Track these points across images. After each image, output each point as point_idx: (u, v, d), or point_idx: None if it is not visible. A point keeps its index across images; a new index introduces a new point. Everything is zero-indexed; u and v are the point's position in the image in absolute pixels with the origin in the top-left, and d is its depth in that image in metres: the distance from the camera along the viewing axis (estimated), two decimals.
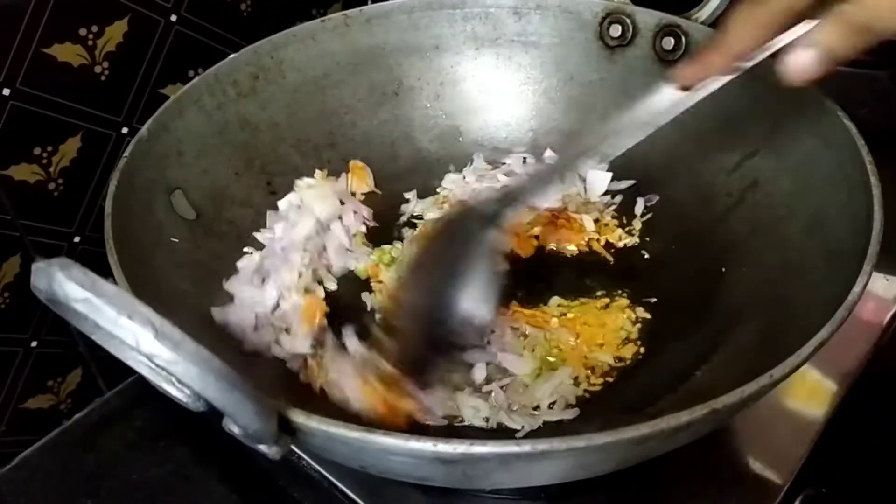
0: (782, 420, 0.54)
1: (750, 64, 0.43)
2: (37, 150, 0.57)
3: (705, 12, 0.61)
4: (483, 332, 0.50)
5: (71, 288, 0.27)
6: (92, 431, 0.60)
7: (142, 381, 0.63)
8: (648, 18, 0.63)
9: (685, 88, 0.45)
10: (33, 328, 0.62)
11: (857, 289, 0.39)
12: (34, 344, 0.62)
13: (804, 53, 0.38)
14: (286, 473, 0.53)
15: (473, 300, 0.43)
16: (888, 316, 0.61)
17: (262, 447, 0.34)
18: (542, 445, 0.32)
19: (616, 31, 0.64)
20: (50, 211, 0.60)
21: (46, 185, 0.58)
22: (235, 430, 0.33)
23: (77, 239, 0.62)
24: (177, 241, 0.52)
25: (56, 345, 0.64)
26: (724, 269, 0.55)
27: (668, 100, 0.46)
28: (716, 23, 0.61)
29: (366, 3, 0.66)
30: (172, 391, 0.34)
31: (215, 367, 0.28)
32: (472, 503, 0.49)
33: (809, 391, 0.56)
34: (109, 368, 0.67)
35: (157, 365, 0.31)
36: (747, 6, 0.40)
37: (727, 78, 0.44)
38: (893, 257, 0.63)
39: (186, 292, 0.51)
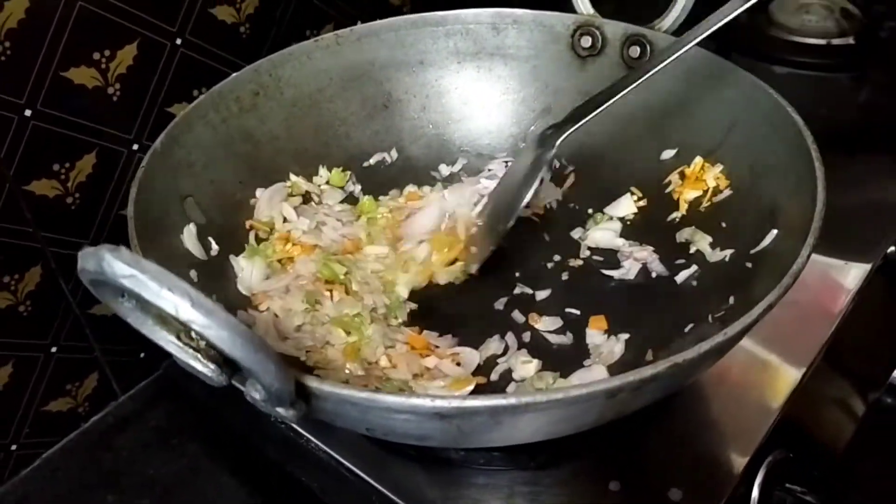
0: (752, 393, 0.58)
1: None
2: (55, 167, 0.60)
3: (667, 22, 0.66)
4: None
5: (119, 266, 0.31)
6: (109, 432, 0.63)
7: (153, 384, 0.67)
8: (616, 29, 0.68)
9: None
10: (53, 334, 0.64)
11: (800, 259, 0.44)
12: (54, 349, 0.65)
13: None
14: (294, 459, 0.56)
15: None
16: (845, 300, 0.65)
17: (281, 410, 0.38)
18: (526, 398, 0.37)
19: (587, 42, 0.69)
20: (68, 223, 0.62)
21: (65, 198, 0.61)
22: (257, 394, 0.37)
23: None
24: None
25: (74, 350, 0.66)
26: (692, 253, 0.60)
27: None
28: (678, 31, 0.66)
29: (356, 23, 0.70)
30: (198, 366, 0.38)
31: (243, 332, 0.33)
32: (469, 477, 0.53)
33: (777, 367, 0.59)
34: (123, 373, 0.70)
35: (190, 333, 0.35)
36: None
37: None
38: (849, 244, 0.69)
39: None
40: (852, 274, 0.67)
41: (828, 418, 0.74)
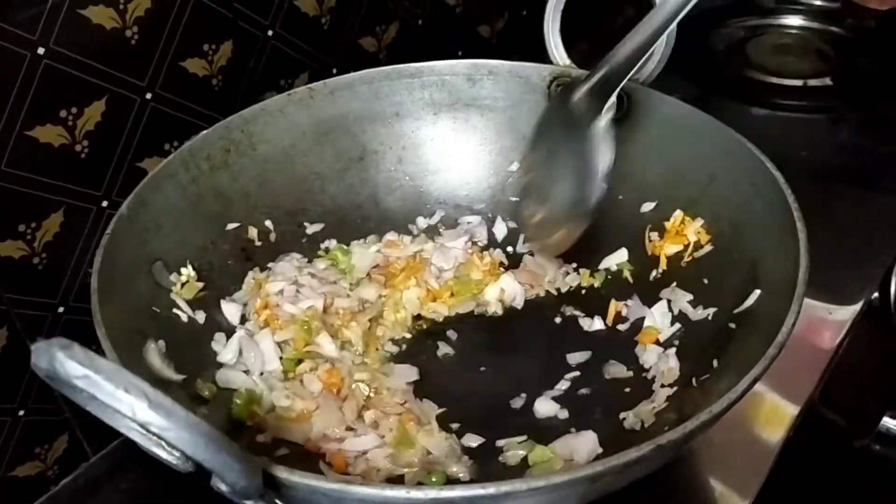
0: (743, 442, 0.57)
1: None
2: (21, 227, 0.58)
3: (644, 73, 0.65)
4: None
5: (71, 366, 0.30)
6: (79, 496, 0.62)
7: (126, 444, 0.65)
8: None
9: None
10: (21, 397, 0.62)
11: (785, 328, 0.43)
12: (21, 413, 0.63)
13: None
14: None
15: None
16: (831, 346, 0.65)
17: (249, 503, 0.36)
18: (505, 487, 0.35)
19: None
20: (35, 284, 0.61)
21: (31, 259, 0.60)
22: (223, 487, 0.36)
23: (61, 309, 0.63)
24: (158, 310, 0.55)
25: (43, 412, 0.64)
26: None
27: None
28: (655, 82, 0.66)
29: (331, 71, 0.70)
30: (162, 454, 0.37)
31: (204, 432, 0.31)
32: None
33: (768, 414, 0.59)
34: (94, 433, 0.67)
35: (150, 432, 0.34)
36: None
37: None
38: (831, 289, 0.69)
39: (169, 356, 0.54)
40: (838, 318, 0.67)
41: (818, 463, 0.73)
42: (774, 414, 0.59)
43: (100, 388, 0.30)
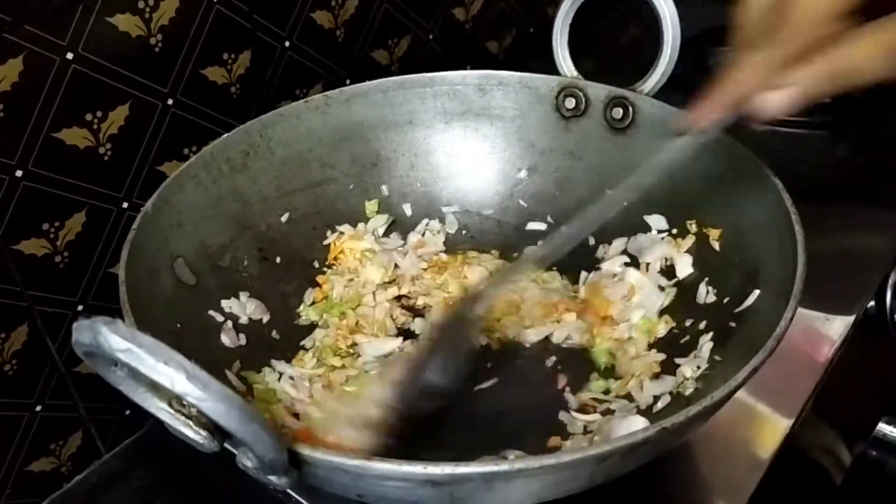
0: (736, 451, 0.58)
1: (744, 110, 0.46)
2: (45, 226, 0.60)
3: (648, 85, 0.68)
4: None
5: (115, 340, 0.32)
6: (93, 492, 0.63)
7: (138, 442, 0.66)
8: (599, 91, 0.69)
9: (693, 126, 0.50)
10: (38, 393, 0.63)
11: (783, 322, 0.45)
12: (38, 408, 0.64)
13: (785, 93, 0.43)
14: None
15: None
16: (829, 352, 0.66)
17: (274, 478, 0.38)
18: (518, 464, 0.37)
19: (571, 103, 0.70)
20: (56, 282, 0.62)
21: (53, 258, 0.61)
22: (250, 463, 0.37)
23: (80, 307, 0.64)
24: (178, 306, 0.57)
25: (59, 408, 0.65)
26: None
27: (674, 149, 0.51)
28: (659, 94, 0.68)
29: (345, 82, 0.72)
30: (190, 433, 0.39)
31: (237, 404, 0.33)
32: None
33: (761, 424, 0.60)
34: (108, 431, 0.69)
35: (181, 405, 0.36)
36: (748, 53, 0.45)
37: (724, 121, 0.48)
38: (830, 297, 0.70)
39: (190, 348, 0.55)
40: (834, 327, 0.68)
41: (814, 471, 0.74)
42: (769, 422, 0.60)
43: (142, 362, 0.32)
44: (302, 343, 0.64)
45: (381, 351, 0.62)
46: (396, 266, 0.69)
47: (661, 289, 0.63)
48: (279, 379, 0.59)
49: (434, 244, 0.71)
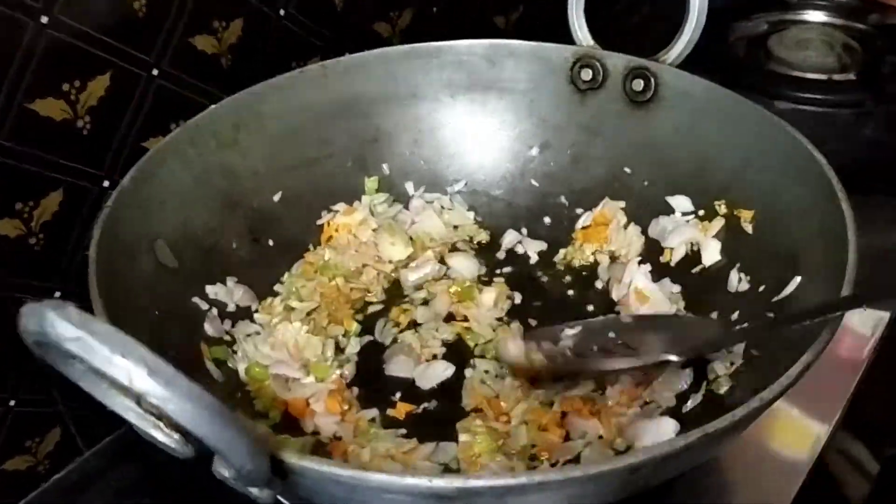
0: (770, 461, 0.55)
1: None
2: (18, 205, 0.57)
3: (673, 54, 0.63)
4: None
5: (63, 327, 0.27)
6: (71, 492, 0.60)
7: (120, 440, 0.63)
8: (618, 62, 0.65)
9: None
10: (12, 387, 0.60)
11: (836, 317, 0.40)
12: (12, 403, 0.61)
13: None
14: None
15: None
16: (867, 350, 0.62)
17: (254, 490, 0.33)
18: (538, 476, 0.32)
19: (587, 74, 0.66)
20: (30, 265, 0.59)
21: (27, 239, 0.58)
22: (226, 472, 0.33)
23: (58, 294, 0.61)
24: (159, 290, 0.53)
25: (35, 404, 0.62)
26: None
27: None
28: (683, 64, 0.63)
29: (343, 55, 0.68)
30: (160, 436, 0.34)
31: (208, 404, 0.28)
32: None
33: (795, 431, 0.57)
34: (88, 428, 0.66)
35: (149, 404, 0.31)
36: None
37: None
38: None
39: (171, 338, 0.51)
40: (871, 322, 0.64)
41: (849, 475, 0.70)
42: (803, 427, 0.57)
43: (94, 353, 0.27)
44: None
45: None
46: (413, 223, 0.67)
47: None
48: (255, 347, 0.57)
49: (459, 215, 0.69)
